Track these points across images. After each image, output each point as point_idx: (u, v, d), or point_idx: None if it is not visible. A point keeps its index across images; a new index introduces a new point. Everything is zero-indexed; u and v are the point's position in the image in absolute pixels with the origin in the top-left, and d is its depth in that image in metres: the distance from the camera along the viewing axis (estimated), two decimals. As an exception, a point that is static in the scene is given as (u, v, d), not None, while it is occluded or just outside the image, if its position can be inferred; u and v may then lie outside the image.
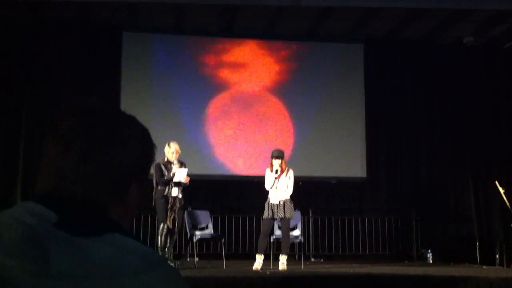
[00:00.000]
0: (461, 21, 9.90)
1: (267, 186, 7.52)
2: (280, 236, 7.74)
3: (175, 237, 7.51)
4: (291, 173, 7.59)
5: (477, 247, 9.87)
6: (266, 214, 7.46)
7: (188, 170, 7.41)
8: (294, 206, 7.57)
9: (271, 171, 7.51)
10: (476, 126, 10.90)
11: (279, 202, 7.42)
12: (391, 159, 10.74)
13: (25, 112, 9.72)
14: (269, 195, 7.52)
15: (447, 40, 10.71)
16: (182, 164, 7.48)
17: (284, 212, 7.38)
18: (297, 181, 10.06)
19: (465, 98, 10.93)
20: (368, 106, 10.65)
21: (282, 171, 7.48)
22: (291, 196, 7.51)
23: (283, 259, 7.35)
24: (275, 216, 7.45)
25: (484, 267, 8.80)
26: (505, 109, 10.91)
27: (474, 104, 10.93)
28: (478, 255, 9.77)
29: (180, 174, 7.29)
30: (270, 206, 7.44)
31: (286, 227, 7.54)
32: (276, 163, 7.47)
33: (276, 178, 7.43)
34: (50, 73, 9.92)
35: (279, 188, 7.45)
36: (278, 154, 7.55)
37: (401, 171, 10.75)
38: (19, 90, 9.78)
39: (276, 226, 7.92)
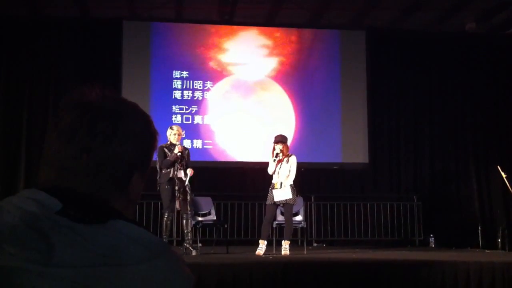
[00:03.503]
0: (464, 9, 9.85)
1: (269, 171, 7.52)
2: (282, 222, 7.75)
3: (189, 221, 7.38)
4: (293, 159, 7.55)
5: (479, 231, 9.89)
6: (269, 201, 7.48)
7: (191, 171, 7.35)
8: (297, 192, 7.56)
9: (273, 156, 7.50)
10: (478, 112, 10.89)
11: (281, 187, 7.42)
12: (393, 145, 10.75)
13: (26, 104, 9.75)
14: (272, 181, 7.52)
15: (450, 28, 10.66)
16: (185, 149, 7.45)
17: (286, 199, 7.38)
18: (299, 167, 10.07)
19: (467, 85, 10.91)
20: (370, 92, 10.63)
21: (283, 156, 7.46)
22: (294, 182, 7.50)
23: (285, 245, 7.37)
24: (277, 202, 7.46)
25: (486, 251, 8.81)
26: (507, 95, 10.88)
27: (475, 91, 10.91)
28: (480, 239, 9.79)
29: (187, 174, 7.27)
30: (272, 191, 7.45)
31: (289, 213, 7.55)
32: (277, 147, 7.47)
33: (275, 161, 7.41)
34: (52, 64, 9.97)
35: (281, 174, 7.45)
36: (279, 139, 7.54)
37: (403, 156, 10.76)
38: (21, 83, 9.81)
39: (278, 212, 7.93)
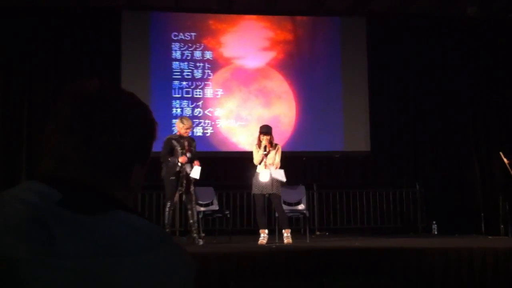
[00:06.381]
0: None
1: (256, 161, 7.47)
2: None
3: (195, 211, 7.38)
4: (279, 148, 7.53)
5: (482, 217, 9.88)
6: (256, 190, 7.44)
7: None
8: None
9: (259, 147, 7.45)
10: (479, 97, 10.85)
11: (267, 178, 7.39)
12: (395, 132, 10.73)
13: (26, 95, 9.74)
14: (257, 170, 7.47)
15: (451, 13, 10.58)
16: (193, 141, 7.45)
17: (272, 188, 7.36)
18: (301, 156, 10.09)
19: (468, 70, 10.87)
20: (371, 80, 10.60)
21: (270, 147, 7.42)
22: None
23: (286, 233, 7.39)
24: (263, 192, 7.42)
25: (489, 237, 8.82)
26: (508, 80, 10.83)
27: (477, 76, 10.87)
28: (483, 225, 9.79)
29: (196, 173, 7.26)
30: (258, 182, 7.42)
31: (278, 204, 7.52)
32: (264, 139, 7.41)
33: (265, 154, 7.38)
34: (51, 56, 9.94)
35: (268, 164, 7.41)
36: (267, 130, 7.47)
37: (404, 143, 10.74)
38: (20, 73, 9.80)
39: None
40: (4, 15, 9.72)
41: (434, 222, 9.91)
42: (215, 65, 10.35)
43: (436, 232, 9.74)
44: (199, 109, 10.20)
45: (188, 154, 7.21)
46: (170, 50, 10.24)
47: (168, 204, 7.27)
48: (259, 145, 7.46)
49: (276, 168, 7.43)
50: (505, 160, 8.91)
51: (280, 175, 7.37)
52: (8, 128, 9.68)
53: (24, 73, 9.81)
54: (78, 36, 10.02)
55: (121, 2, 9.91)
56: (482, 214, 9.97)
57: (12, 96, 9.75)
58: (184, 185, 7.22)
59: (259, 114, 10.29)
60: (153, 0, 10.00)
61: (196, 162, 7.26)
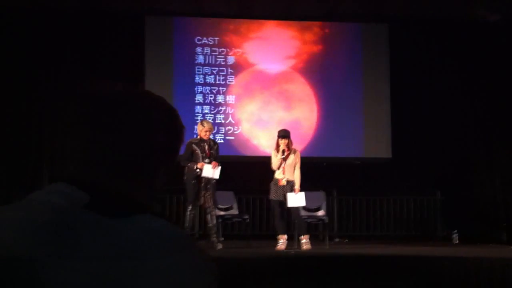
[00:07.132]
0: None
1: (274, 166, 7.45)
2: (304, 217, 7.74)
3: (214, 215, 7.38)
4: (298, 154, 7.50)
5: (504, 227, 9.76)
6: (274, 196, 7.41)
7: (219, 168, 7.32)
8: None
9: (278, 151, 7.43)
10: (505, 104, 10.67)
11: (287, 183, 7.36)
12: (416, 140, 10.62)
13: (49, 100, 9.77)
14: (275, 176, 7.45)
15: (473, 18, 10.47)
16: (215, 144, 7.48)
17: None
18: (321, 161, 10.07)
19: (492, 76, 10.71)
20: (393, 86, 10.52)
21: (288, 151, 7.39)
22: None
23: (305, 239, 7.36)
24: (281, 199, 7.38)
25: (511, 247, 8.71)
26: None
27: (501, 82, 10.70)
28: (505, 235, 9.66)
29: (209, 172, 7.26)
30: (277, 187, 7.39)
31: (296, 210, 7.47)
32: (282, 143, 7.37)
33: (283, 158, 7.35)
34: (74, 61, 9.93)
35: (286, 169, 7.38)
36: (284, 134, 7.42)
37: (426, 151, 10.63)
38: (44, 79, 9.83)
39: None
40: (23, 17, 9.75)
41: (455, 230, 9.80)
42: (237, 68, 10.39)
43: (457, 241, 9.64)
44: (221, 112, 10.26)
45: (207, 160, 7.24)
46: (193, 54, 10.30)
47: (189, 208, 7.30)
48: (277, 149, 7.46)
49: (297, 182, 7.39)
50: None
51: (300, 200, 7.33)
52: (30, 132, 9.77)
53: (46, 77, 9.86)
54: (101, 41, 10.07)
55: (145, 7, 9.97)
56: (504, 224, 9.84)
57: (35, 100, 9.81)
58: (205, 188, 7.25)
59: (280, 117, 10.29)
60: (176, 5, 10.07)
61: (213, 163, 7.27)
